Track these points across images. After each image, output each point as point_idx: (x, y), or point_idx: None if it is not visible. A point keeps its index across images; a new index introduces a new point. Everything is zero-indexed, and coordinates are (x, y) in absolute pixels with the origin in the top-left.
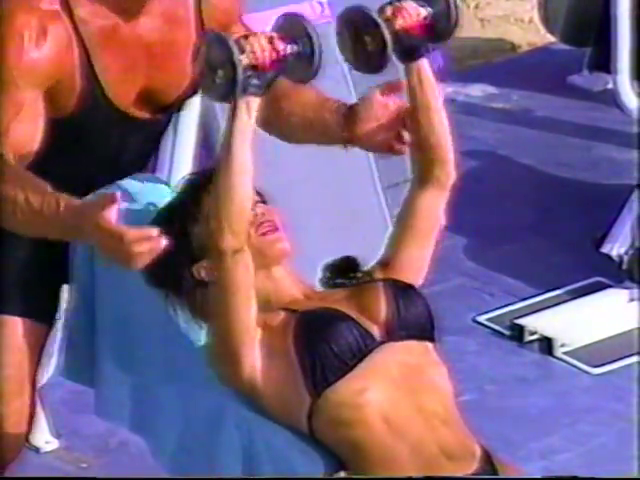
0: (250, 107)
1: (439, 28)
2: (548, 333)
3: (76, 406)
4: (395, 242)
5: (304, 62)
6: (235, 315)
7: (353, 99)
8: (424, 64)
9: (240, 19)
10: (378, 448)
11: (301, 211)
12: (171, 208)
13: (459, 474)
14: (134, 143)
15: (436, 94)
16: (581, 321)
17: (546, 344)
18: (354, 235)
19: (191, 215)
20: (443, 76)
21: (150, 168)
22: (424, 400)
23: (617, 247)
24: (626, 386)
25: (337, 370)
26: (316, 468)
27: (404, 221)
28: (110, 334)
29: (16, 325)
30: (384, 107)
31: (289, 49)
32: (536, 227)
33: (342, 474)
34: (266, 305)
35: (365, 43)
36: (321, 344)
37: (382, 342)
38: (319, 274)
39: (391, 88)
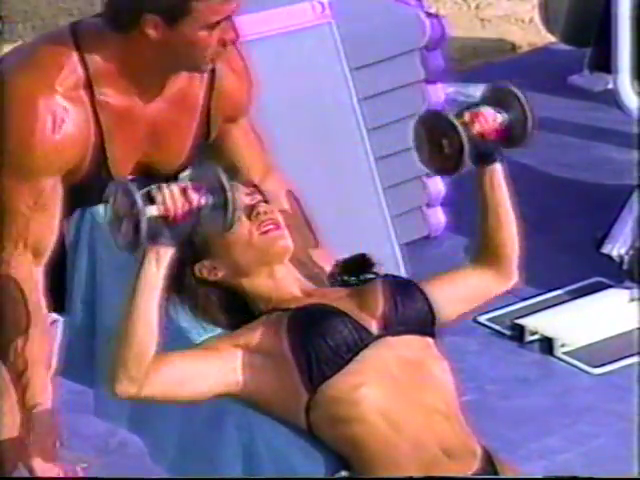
0: (160, 257)
1: (514, 134)
2: (549, 333)
3: (76, 406)
4: (426, 285)
5: (218, 213)
6: None
7: (354, 101)
8: (497, 168)
9: (248, 113)
10: (376, 444)
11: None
12: None
13: (459, 473)
14: None
15: (506, 199)
16: (581, 321)
17: (546, 344)
18: (354, 235)
19: None
20: (443, 76)
21: None
22: (424, 395)
23: (617, 247)
24: (626, 386)
25: (333, 364)
26: (316, 468)
27: (447, 280)
28: (110, 334)
29: None
30: None
31: (203, 200)
32: (536, 227)
33: (343, 473)
34: (267, 303)
35: (442, 146)
36: (316, 338)
37: (379, 336)
38: (329, 269)
39: None
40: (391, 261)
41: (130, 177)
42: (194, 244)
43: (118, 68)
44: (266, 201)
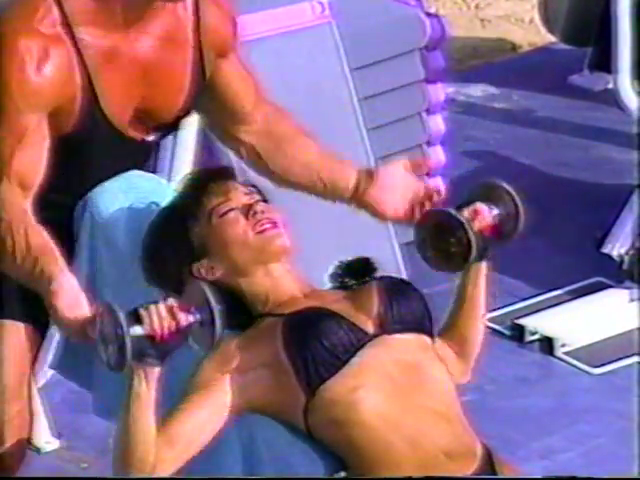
0: (148, 377)
1: (506, 229)
2: (548, 333)
3: (77, 406)
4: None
5: (205, 330)
6: None
7: (354, 101)
8: (484, 267)
9: (236, 48)
10: (374, 446)
11: (301, 212)
12: (172, 207)
13: (458, 473)
14: (128, 164)
15: (483, 297)
16: (581, 321)
17: (547, 344)
18: (354, 235)
19: (191, 214)
20: (443, 76)
21: (150, 168)
22: (423, 397)
23: (617, 247)
24: (626, 386)
25: (330, 365)
26: (316, 468)
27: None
28: None
29: (15, 330)
30: (405, 180)
31: (190, 319)
32: (536, 227)
33: (342, 474)
34: (264, 303)
35: (449, 244)
36: (311, 341)
37: (375, 335)
38: (331, 269)
39: (416, 165)
40: (391, 261)
41: (131, 130)
42: (192, 244)
43: (93, 5)
44: (265, 200)
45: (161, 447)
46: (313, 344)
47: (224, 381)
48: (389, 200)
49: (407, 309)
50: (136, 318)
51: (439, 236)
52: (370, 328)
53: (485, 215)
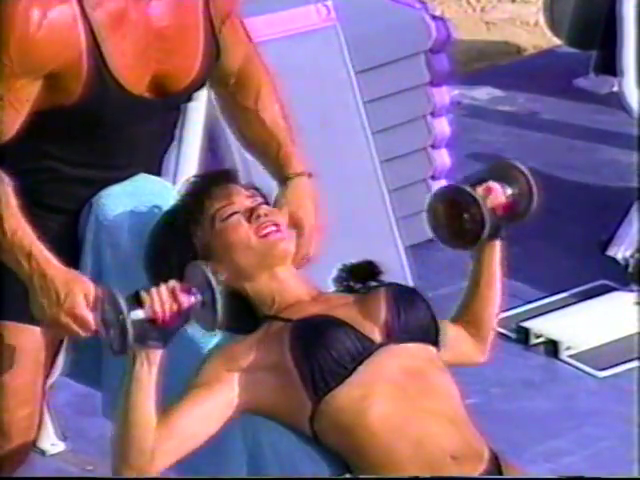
0: (150, 359)
1: (519, 208)
2: (554, 336)
3: (82, 408)
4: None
5: (207, 311)
6: None
7: (359, 103)
8: (497, 245)
9: (238, 12)
10: (382, 451)
11: None
12: (175, 210)
13: (465, 475)
14: (150, 125)
15: (499, 276)
16: (587, 324)
17: (552, 347)
18: (359, 237)
19: (194, 218)
20: (448, 79)
21: (153, 170)
22: (429, 402)
23: (623, 250)
24: (631, 389)
25: (337, 375)
26: (321, 470)
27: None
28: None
29: (31, 334)
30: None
31: (192, 300)
32: (541, 230)
33: (347, 475)
34: (270, 306)
35: (463, 221)
36: (319, 350)
37: (382, 344)
38: (335, 272)
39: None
40: (396, 264)
41: (147, 95)
42: (195, 247)
43: None
44: (267, 203)
45: (161, 438)
46: (320, 353)
47: (229, 378)
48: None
49: (414, 319)
50: (137, 301)
51: (452, 212)
52: (377, 336)
53: (498, 193)
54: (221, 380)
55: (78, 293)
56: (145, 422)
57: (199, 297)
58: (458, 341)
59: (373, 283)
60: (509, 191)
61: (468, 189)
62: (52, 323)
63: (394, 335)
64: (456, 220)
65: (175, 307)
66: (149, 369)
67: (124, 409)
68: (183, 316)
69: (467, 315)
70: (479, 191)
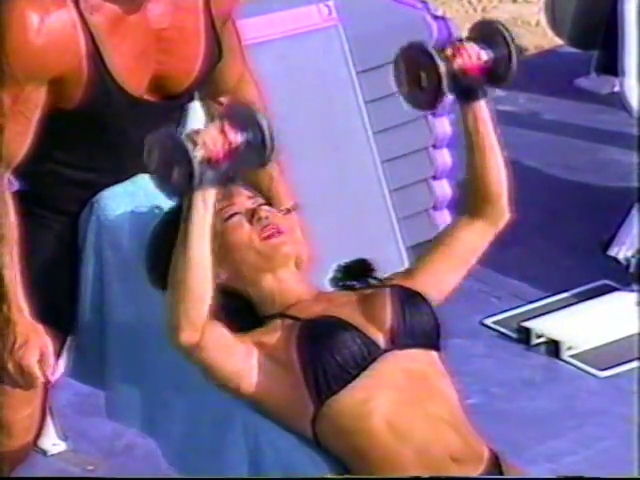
0: (206, 200)
1: (498, 72)
2: (555, 336)
3: (83, 408)
4: (428, 260)
5: (255, 150)
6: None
7: (360, 103)
8: (481, 105)
9: (235, 16)
10: (383, 455)
11: (307, 214)
12: (175, 211)
13: (466, 475)
14: (152, 127)
15: (492, 135)
16: (588, 324)
17: (553, 347)
18: (360, 237)
19: None
20: None
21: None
22: (430, 406)
23: (624, 250)
24: (632, 389)
25: (340, 379)
26: (322, 470)
27: (444, 244)
28: (120, 337)
29: None
30: None
31: (240, 138)
32: (543, 230)
33: (347, 475)
34: (271, 305)
35: (420, 79)
36: (324, 354)
37: (386, 350)
38: (331, 273)
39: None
40: (397, 264)
41: (149, 97)
42: None
43: None
44: (268, 204)
45: (209, 329)
46: (325, 357)
47: (252, 349)
48: None
49: (419, 324)
50: (191, 142)
51: (413, 71)
52: (381, 340)
53: (473, 54)
54: (248, 343)
55: (33, 347)
56: (204, 266)
57: (249, 135)
58: (474, 232)
59: (370, 280)
60: (487, 53)
61: (426, 47)
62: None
63: (398, 340)
64: (415, 78)
65: (227, 145)
66: (205, 210)
67: (182, 256)
68: (235, 154)
69: (474, 191)
70: (449, 51)
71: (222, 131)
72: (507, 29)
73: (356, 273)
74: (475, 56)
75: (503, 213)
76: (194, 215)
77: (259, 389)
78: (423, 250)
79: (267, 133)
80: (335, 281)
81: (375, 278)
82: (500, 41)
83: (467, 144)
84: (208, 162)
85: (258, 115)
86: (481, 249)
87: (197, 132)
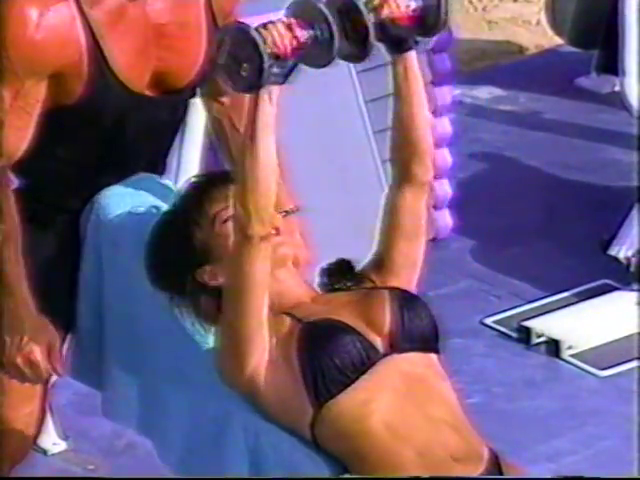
0: (272, 97)
1: (428, 22)
2: (555, 335)
3: (83, 408)
4: (384, 241)
5: (322, 47)
6: (251, 308)
7: (360, 103)
8: (411, 57)
9: (236, 13)
10: (383, 456)
11: (306, 214)
12: (174, 211)
13: (466, 475)
14: (153, 122)
15: (421, 88)
16: (588, 323)
17: (553, 346)
18: (361, 237)
19: (194, 220)
20: (450, 78)
21: (158, 166)
22: (430, 408)
23: (624, 249)
24: (633, 388)
25: (339, 383)
26: (322, 471)
27: (389, 221)
28: (118, 337)
29: None
30: None
31: (307, 35)
32: (543, 229)
33: (347, 475)
34: (270, 307)
35: (347, 30)
36: (324, 357)
37: (385, 354)
38: (317, 279)
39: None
40: None
41: (149, 92)
42: (195, 249)
43: None
44: None
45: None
46: (325, 362)
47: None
48: None
49: (417, 328)
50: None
51: (340, 22)
52: (380, 344)
53: (401, 4)
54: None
55: (41, 341)
56: (271, 159)
57: (316, 31)
58: (412, 198)
59: (356, 279)
60: (415, 3)
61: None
62: (7, 362)
63: (397, 345)
64: (343, 29)
65: (295, 42)
66: (270, 105)
67: (250, 153)
68: (301, 50)
69: (402, 140)
70: (375, 1)
71: (289, 27)
72: None
73: (337, 274)
74: (403, 5)
75: (429, 170)
76: (261, 112)
77: (262, 383)
78: (378, 236)
79: (335, 30)
80: (323, 286)
81: (357, 274)
82: None
83: (396, 95)
84: (275, 58)
85: (325, 11)
86: (421, 210)
87: (266, 28)
